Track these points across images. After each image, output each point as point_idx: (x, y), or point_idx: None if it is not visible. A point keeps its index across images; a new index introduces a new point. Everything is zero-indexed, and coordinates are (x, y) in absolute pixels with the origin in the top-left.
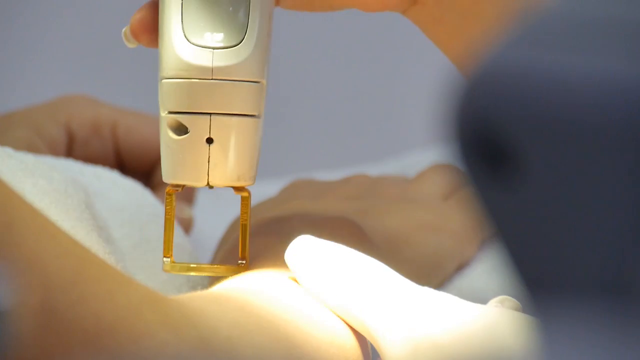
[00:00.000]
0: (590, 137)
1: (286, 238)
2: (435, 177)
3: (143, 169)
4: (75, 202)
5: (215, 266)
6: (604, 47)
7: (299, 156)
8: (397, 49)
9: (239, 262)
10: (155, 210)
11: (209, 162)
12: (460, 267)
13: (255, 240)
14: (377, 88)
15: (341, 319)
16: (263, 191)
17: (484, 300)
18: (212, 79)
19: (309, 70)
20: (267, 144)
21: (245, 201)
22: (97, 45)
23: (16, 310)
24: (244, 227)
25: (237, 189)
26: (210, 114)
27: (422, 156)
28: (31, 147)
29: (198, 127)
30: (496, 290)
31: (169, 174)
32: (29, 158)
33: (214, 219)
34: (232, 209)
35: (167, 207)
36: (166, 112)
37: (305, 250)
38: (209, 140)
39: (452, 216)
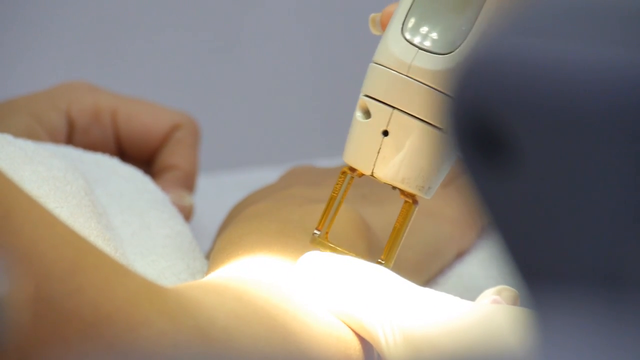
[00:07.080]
0: (586, 126)
1: (284, 225)
2: None
3: (143, 156)
4: (74, 189)
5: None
6: (600, 34)
7: (298, 143)
8: None
9: (379, 260)
10: (155, 197)
11: (378, 152)
12: (460, 254)
13: (254, 226)
14: None
15: (345, 323)
16: (262, 177)
17: (483, 288)
18: (406, 75)
19: (309, 57)
20: (267, 130)
21: (407, 207)
22: (98, 32)
23: (13, 299)
24: (396, 230)
25: (405, 193)
26: (393, 107)
27: None
28: (31, 135)
29: (379, 116)
30: (496, 278)
31: (347, 152)
32: (28, 145)
33: (214, 207)
34: (231, 198)
35: (337, 185)
36: (363, 94)
37: (313, 262)
38: (385, 133)
39: (451, 203)
